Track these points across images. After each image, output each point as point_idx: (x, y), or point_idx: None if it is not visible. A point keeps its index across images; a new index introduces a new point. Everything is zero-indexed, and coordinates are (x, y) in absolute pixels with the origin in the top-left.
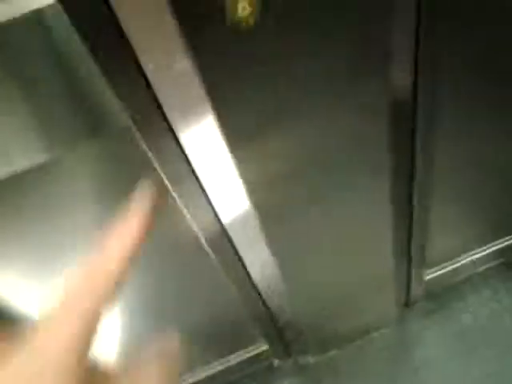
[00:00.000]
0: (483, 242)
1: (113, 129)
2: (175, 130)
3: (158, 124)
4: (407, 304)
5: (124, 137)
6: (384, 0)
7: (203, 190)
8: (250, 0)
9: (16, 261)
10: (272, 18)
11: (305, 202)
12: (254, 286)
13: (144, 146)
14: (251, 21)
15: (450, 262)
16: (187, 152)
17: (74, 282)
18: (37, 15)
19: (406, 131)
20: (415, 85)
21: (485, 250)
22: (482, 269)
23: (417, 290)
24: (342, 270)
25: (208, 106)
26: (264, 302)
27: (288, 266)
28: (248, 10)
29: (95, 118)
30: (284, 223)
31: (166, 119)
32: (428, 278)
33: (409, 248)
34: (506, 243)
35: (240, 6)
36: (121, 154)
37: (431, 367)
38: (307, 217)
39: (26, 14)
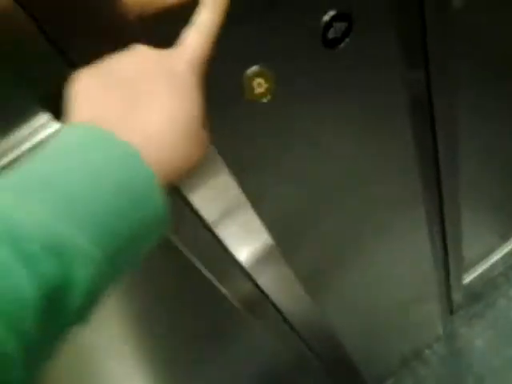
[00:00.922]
0: (509, 234)
1: None
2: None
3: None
4: (451, 312)
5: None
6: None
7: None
8: (265, 76)
9: None
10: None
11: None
12: (300, 338)
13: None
14: (268, 95)
15: (484, 262)
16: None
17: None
18: None
19: (427, 137)
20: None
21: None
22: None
23: (458, 296)
24: (384, 296)
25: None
26: (311, 349)
27: (333, 309)
28: (264, 85)
29: None
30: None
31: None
32: (466, 281)
33: (445, 255)
34: None
35: (255, 83)
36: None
37: (494, 375)
38: (346, 258)
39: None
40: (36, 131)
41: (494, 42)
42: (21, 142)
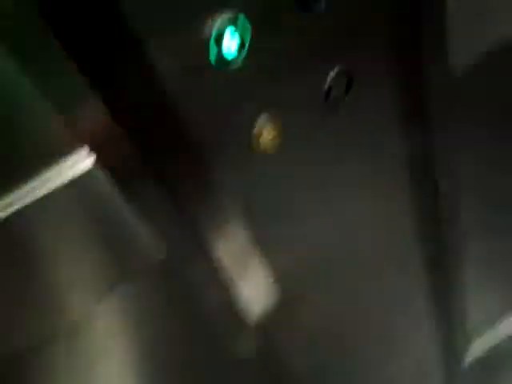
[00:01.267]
0: None
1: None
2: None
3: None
4: None
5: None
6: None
7: None
8: (274, 124)
9: None
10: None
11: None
12: None
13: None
14: (277, 143)
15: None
16: None
17: None
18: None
19: (429, 201)
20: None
21: None
22: None
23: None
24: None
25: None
26: None
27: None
28: (273, 133)
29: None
30: None
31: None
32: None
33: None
34: None
35: (265, 130)
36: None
37: None
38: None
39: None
40: (74, 165)
41: (497, 104)
42: (59, 175)
